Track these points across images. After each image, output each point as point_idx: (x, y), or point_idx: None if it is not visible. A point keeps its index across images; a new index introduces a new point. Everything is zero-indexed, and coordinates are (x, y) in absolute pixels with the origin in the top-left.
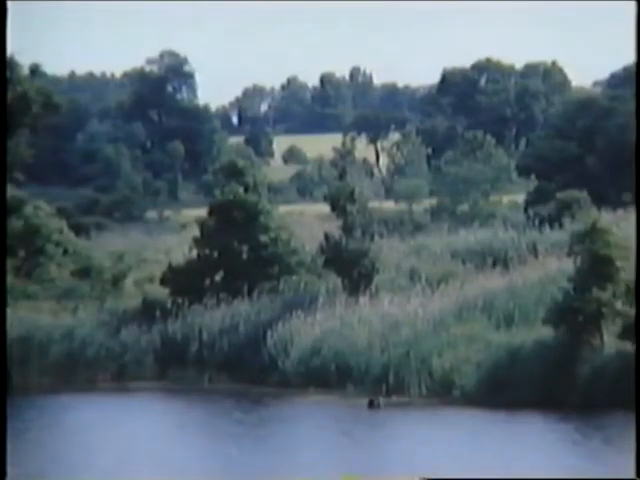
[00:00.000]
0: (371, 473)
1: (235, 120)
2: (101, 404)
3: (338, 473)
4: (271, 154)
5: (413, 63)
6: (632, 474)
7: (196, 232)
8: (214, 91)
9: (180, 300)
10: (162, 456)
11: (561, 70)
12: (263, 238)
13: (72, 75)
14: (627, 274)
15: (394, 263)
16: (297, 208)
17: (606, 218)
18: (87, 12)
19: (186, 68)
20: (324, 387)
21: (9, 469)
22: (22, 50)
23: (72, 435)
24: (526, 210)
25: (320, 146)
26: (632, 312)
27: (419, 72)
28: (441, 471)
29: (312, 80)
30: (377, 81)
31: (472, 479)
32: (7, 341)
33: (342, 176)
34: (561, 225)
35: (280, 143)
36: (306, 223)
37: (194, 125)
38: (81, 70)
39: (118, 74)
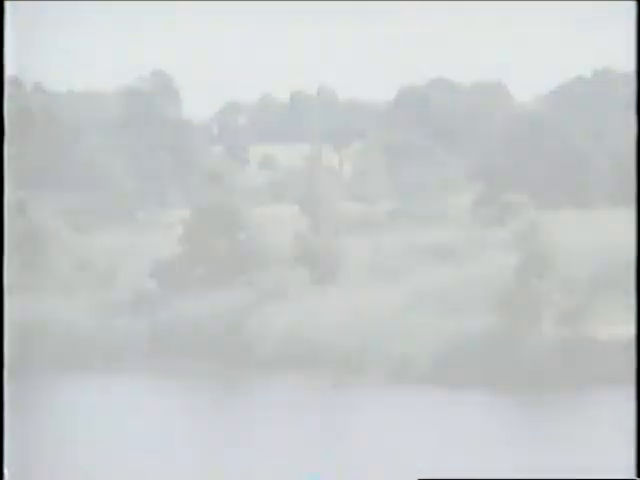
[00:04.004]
0: (335, 442)
1: (216, 131)
2: (96, 383)
3: (305, 440)
4: (247, 162)
5: (373, 81)
6: (632, 474)
7: (181, 231)
8: (197, 106)
9: (167, 291)
10: (151, 427)
11: (505, 87)
12: (241, 236)
13: (70, 91)
14: (562, 268)
15: (356, 258)
16: (271, 209)
17: (544, 218)
18: (84, 36)
19: (173, 86)
20: (294, 368)
21: (8, 442)
22: (26, 70)
23: (69, 410)
24: (474, 211)
25: (291, 154)
26: (567, 302)
27: (379, 89)
28: (398, 440)
29: (284, 96)
30: (341, 97)
31: (471, 479)
32: (10, 326)
33: (310, 181)
34: (504, 225)
35: (255, 152)
36: (279, 223)
37: (179, 136)
38: (79, 87)
39: (112, 91)
